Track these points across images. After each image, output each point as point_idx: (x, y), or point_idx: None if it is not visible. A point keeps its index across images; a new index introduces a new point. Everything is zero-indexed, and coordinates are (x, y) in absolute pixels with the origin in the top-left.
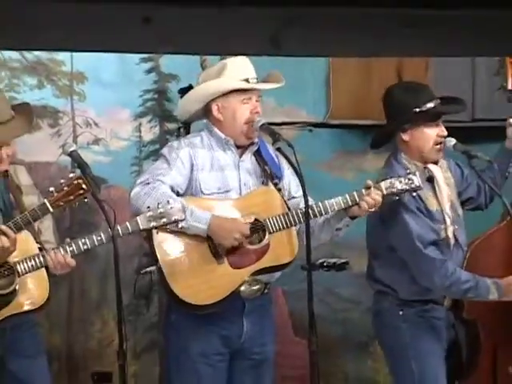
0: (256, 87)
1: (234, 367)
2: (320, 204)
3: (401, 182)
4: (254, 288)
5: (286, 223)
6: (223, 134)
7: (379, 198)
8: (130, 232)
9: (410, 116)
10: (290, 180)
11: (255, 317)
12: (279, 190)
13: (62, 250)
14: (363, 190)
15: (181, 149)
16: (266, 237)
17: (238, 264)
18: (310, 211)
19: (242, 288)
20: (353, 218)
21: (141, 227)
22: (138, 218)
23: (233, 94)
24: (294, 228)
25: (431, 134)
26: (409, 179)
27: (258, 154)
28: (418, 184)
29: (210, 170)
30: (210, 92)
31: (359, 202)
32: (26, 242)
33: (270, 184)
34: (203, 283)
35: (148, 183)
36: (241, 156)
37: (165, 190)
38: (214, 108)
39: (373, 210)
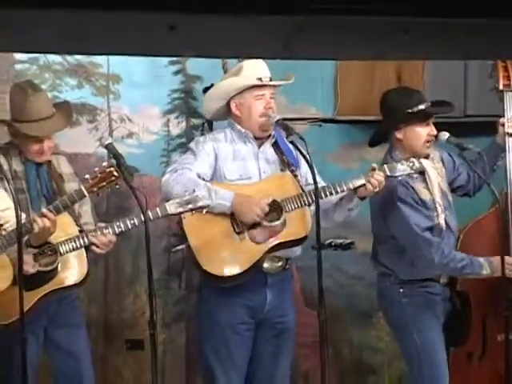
0: (266, 83)
1: (257, 336)
2: (330, 185)
3: (402, 164)
4: (277, 264)
5: (300, 203)
6: (243, 128)
7: (382, 179)
8: (159, 217)
9: (404, 116)
10: (306, 169)
11: (277, 290)
12: (295, 176)
13: (99, 231)
14: (369, 173)
15: (206, 142)
16: (283, 215)
17: (258, 239)
18: (322, 192)
19: (266, 265)
20: (362, 198)
21: (169, 212)
22: (166, 204)
23: (248, 91)
24: (307, 208)
25: (422, 133)
26: (410, 161)
27: (276, 146)
28: (418, 166)
29: (233, 160)
30: (230, 89)
31: (365, 183)
32: (67, 225)
33: (288, 171)
34: (227, 257)
35: (176, 171)
36: (260, 147)
37: (191, 176)
38: (233, 105)
39: (377, 190)
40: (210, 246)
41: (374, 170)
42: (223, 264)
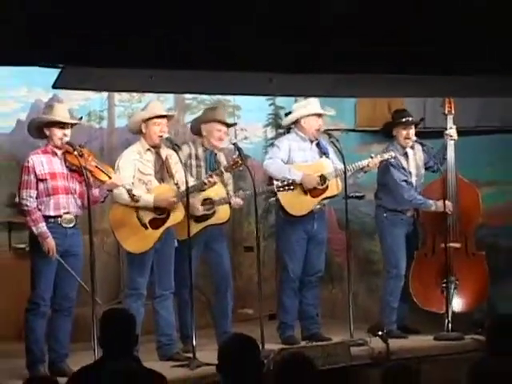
0: (322, 113)
1: (309, 244)
2: (351, 165)
3: (387, 154)
4: (318, 207)
5: (336, 175)
6: (303, 134)
7: (377, 162)
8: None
9: (395, 123)
10: (332, 158)
11: (318, 220)
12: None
13: (237, 195)
14: (369, 159)
15: (283, 140)
16: (327, 182)
17: (314, 195)
18: (348, 169)
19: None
20: (365, 172)
21: (275, 190)
22: (274, 183)
23: (311, 116)
24: (339, 178)
25: (403, 134)
26: (390, 155)
27: (318, 144)
28: (394, 155)
29: (298, 150)
30: (304, 111)
31: (368, 163)
32: (220, 190)
33: (324, 157)
34: (299, 205)
35: (271, 158)
36: (311, 145)
37: (278, 161)
38: (302, 121)
39: (375, 167)
40: (291, 199)
41: (372, 157)
42: (297, 209)
